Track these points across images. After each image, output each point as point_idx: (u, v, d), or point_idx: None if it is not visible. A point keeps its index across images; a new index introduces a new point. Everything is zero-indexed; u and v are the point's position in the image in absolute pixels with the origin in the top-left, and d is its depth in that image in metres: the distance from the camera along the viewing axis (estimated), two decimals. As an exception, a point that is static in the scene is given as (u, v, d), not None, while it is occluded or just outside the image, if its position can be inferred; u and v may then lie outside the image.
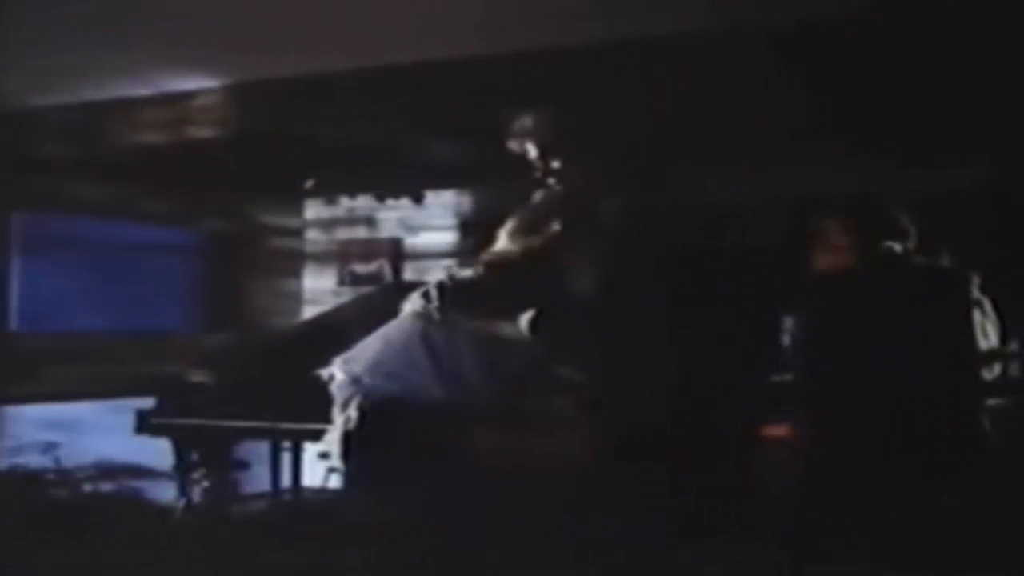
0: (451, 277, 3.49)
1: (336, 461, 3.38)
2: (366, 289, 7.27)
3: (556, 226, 3.45)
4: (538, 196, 3.65)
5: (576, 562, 3.08)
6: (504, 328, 3.32)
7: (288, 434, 5.77)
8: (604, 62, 5.00)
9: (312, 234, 8.38)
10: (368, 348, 3.43)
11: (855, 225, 3.60)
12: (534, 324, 3.18)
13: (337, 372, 3.43)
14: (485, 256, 3.53)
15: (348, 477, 3.38)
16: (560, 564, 3.09)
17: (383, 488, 3.28)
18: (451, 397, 3.30)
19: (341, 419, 3.35)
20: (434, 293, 3.38)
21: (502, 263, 3.47)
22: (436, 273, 3.50)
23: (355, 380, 3.35)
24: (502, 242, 3.52)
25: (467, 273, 3.51)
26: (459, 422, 3.28)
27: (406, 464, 3.20)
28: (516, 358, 3.33)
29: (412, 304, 3.43)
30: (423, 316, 3.37)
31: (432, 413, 3.27)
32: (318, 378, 5.71)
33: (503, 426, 3.38)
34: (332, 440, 3.37)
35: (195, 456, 5.61)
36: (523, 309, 3.32)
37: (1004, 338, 4.59)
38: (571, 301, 3.40)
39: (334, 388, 3.41)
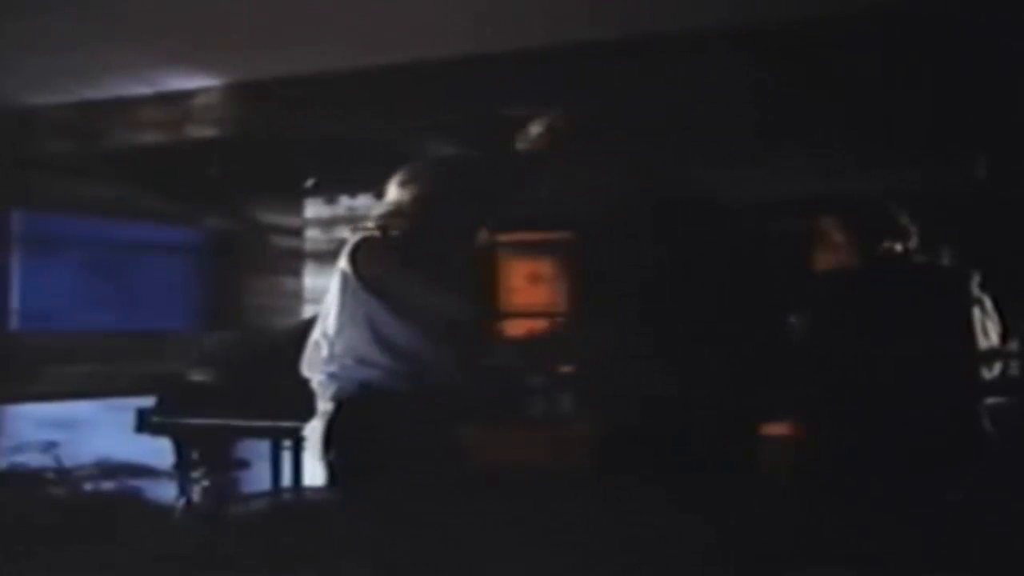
0: (362, 238, 3.38)
1: (315, 453, 3.36)
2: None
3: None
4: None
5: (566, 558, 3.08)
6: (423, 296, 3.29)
7: (288, 433, 5.77)
8: (604, 61, 5.00)
9: (312, 233, 8.39)
10: (320, 344, 3.41)
11: (855, 224, 3.59)
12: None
13: (311, 376, 3.42)
14: (379, 209, 3.49)
15: (327, 470, 3.36)
16: (549, 559, 3.09)
17: (361, 481, 3.26)
18: (415, 381, 3.28)
19: (320, 410, 3.35)
20: (345, 260, 3.34)
21: (394, 214, 3.44)
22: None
23: (331, 375, 3.34)
24: (392, 193, 3.50)
25: (371, 230, 3.42)
26: (429, 408, 3.27)
27: (384, 455, 3.19)
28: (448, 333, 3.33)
29: (336, 275, 3.40)
30: (346, 285, 3.34)
31: (405, 401, 3.25)
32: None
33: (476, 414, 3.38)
34: (313, 433, 3.36)
35: (195, 455, 5.61)
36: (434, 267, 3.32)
37: (1004, 336, 4.59)
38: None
39: (315, 386, 3.40)
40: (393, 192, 3.47)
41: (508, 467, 3.36)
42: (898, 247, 3.58)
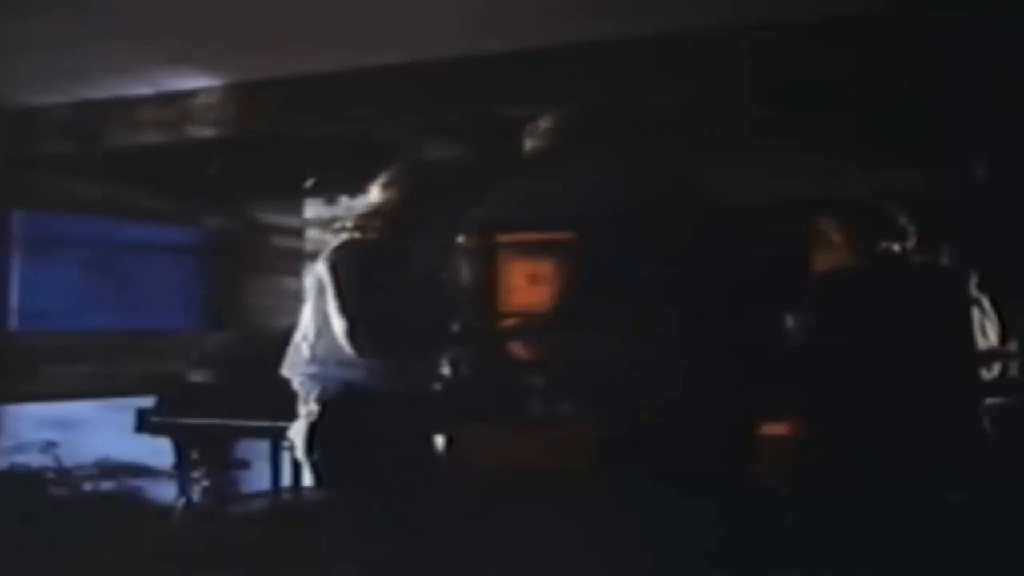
0: (341, 242, 3.39)
1: (300, 454, 3.38)
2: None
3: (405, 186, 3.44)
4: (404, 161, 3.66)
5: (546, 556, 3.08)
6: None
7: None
8: (604, 61, 5.00)
9: (312, 233, 8.38)
10: (301, 346, 3.41)
11: (854, 224, 3.60)
12: None
13: (292, 377, 3.42)
14: (360, 210, 3.49)
15: (312, 470, 3.37)
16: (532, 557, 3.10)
17: (346, 480, 3.27)
18: (398, 382, 3.29)
19: (304, 412, 3.35)
20: (324, 266, 3.35)
21: (372, 215, 3.44)
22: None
23: (313, 376, 3.35)
24: (374, 194, 3.51)
25: (349, 230, 3.43)
26: (413, 409, 3.28)
27: (369, 455, 3.19)
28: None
29: (312, 278, 3.41)
30: (323, 289, 3.34)
31: (389, 401, 3.25)
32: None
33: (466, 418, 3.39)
34: (296, 433, 3.37)
35: (195, 455, 5.61)
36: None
37: (1003, 336, 4.59)
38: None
39: (296, 386, 3.41)
40: (375, 193, 3.48)
41: (499, 467, 3.38)
42: (896, 247, 3.58)
